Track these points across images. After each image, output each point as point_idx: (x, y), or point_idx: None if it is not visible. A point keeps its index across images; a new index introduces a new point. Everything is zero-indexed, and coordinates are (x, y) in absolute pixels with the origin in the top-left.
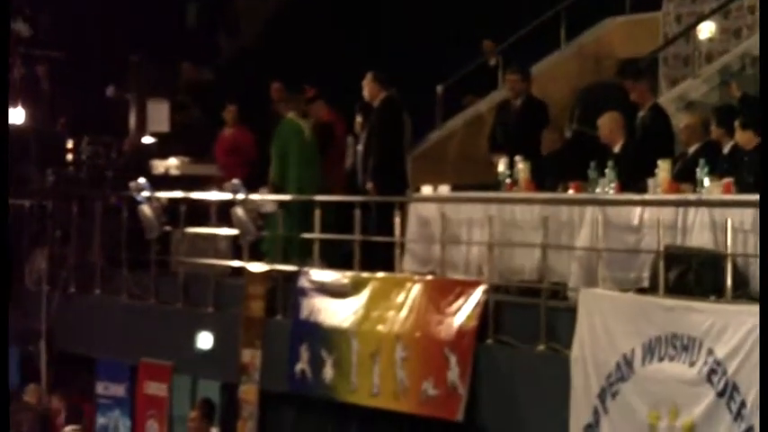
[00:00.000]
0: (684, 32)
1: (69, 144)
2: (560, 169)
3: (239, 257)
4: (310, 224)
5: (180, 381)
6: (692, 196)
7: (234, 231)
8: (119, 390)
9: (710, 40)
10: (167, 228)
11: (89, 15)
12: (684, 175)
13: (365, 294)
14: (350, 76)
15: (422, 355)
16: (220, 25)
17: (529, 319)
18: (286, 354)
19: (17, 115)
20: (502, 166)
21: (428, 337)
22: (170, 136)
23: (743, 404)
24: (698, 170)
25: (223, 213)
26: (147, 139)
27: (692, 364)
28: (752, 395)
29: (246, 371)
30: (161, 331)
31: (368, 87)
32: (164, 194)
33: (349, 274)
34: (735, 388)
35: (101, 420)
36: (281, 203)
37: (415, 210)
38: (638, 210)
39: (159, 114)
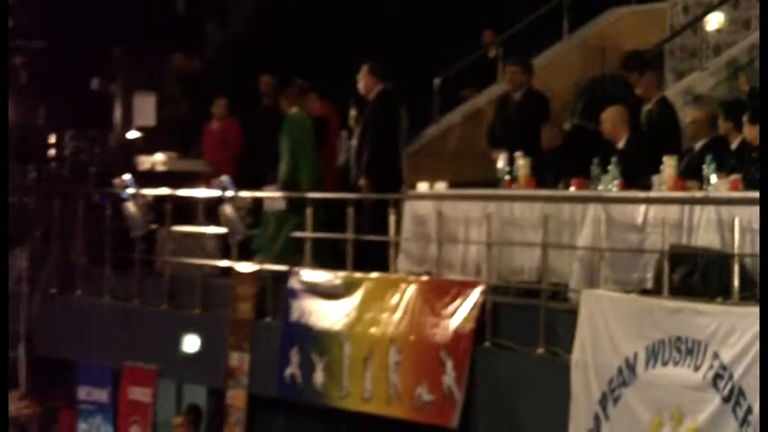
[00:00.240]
0: (692, 23)
1: (51, 139)
2: (562, 165)
3: (227, 257)
4: (318, 222)
5: (165, 386)
6: (698, 194)
7: (222, 230)
8: (101, 395)
9: (719, 31)
10: (153, 226)
11: (72, 3)
12: (691, 172)
13: (358, 295)
14: (343, 68)
15: (416, 358)
16: (209, 15)
17: (528, 322)
18: (275, 357)
19: None
20: (501, 163)
21: (423, 341)
22: (156, 130)
23: (749, 410)
24: (705, 166)
25: (211, 211)
26: (133, 134)
27: (696, 369)
28: (759, 400)
29: (234, 375)
30: (145, 334)
31: (363, 80)
32: (149, 191)
33: (341, 274)
34: (741, 393)
35: (82, 426)
36: (292, 201)
37: (410, 207)
38: (642, 208)
39: (145, 108)
